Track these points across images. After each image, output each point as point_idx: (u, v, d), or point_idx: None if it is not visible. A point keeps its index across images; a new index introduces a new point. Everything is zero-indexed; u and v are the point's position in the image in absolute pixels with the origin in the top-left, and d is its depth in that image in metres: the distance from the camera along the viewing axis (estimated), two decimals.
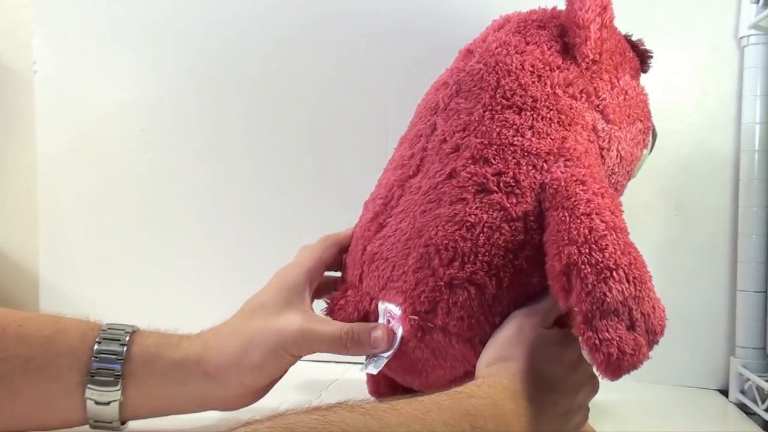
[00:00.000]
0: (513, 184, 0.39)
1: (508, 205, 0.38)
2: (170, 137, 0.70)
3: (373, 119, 0.66)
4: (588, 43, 0.44)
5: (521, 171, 0.39)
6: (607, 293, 0.34)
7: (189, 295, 0.69)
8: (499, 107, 0.42)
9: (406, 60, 0.66)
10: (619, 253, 0.35)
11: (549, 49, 0.44)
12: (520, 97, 0.42)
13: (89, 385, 0.39)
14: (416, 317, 0.38)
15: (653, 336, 0.36)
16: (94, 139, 0.71)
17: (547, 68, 0.43)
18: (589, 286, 0.34)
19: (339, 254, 0.47)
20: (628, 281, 0.34)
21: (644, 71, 0.51)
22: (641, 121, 0.47)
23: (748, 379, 0.56)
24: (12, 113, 0.75)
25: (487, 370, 0.35)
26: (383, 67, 0.66)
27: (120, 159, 0.70)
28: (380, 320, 0.41)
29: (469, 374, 0.38)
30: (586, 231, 0.35)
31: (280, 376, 0.45)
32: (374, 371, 0.41)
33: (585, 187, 0.38)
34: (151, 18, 0.70)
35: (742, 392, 0.58)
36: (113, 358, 0.39)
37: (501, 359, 0.36)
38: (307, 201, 0.68)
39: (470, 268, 0.38)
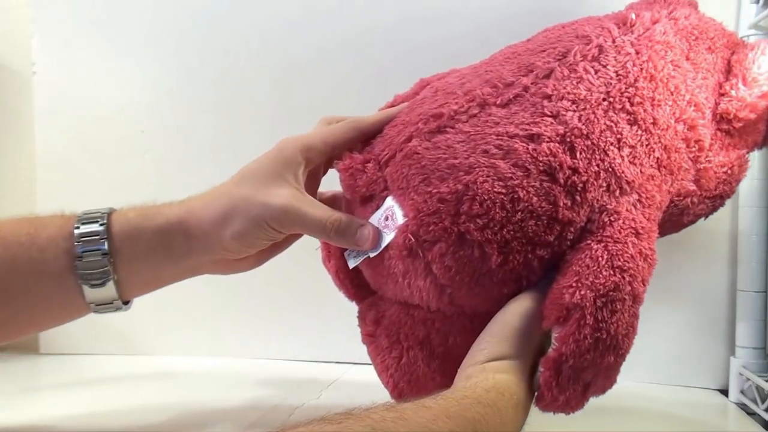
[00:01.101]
0: (580, 189, 0.36)
1: (561, 205, 0.36)
2: (170, 138, 0.70)
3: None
4: (740, 104, 0.42)
5: (595, 183, 0.37)
6: (591, 354, 0.33)
7: (188, 294, 0.69)
8: (620, 107, 0.38)
9: (408, 61, 0.66)
10: (623, 326, 0.34)
11: (701, 80, 0.41)
12: (645, 111, 0.39)
13: (79, 270, 0.39)
14: (413, 239, 0.37)
15: (589, 397, 0.36)
16: (94, 140, 0.71)
17: (684, 99, 0.40)
18: (581, 338, 0.33)
19: (356, 141, 0.43)
20: (613, 355, 0.34)
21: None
22: (721, 199, 0.45)
23: (748, 379, 0.56)
24: (11, 114, 0.75)
25: (498, 366, 0.35)
26: (385, 68, 0.66)
27: (119, 160, 0.70)
28: (380, 211, 0.39)
29: (418, 309, 0.39)
30: (611, 286, 0.34)
31: (272, 249, 0.44)
32: (351, 265, 0.41)
33: (636, 241, 0.36)
34: (150, 19, 0.70)
35: (742, 392, 0.58)
36: (96, 239, 0.39)
37: (511, 355, 0.35)
38: None
39: (489, 234, 0.35)
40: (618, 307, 0.34)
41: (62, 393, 0.57)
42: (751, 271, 0.59)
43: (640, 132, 0.38)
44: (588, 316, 0.33)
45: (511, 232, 0.36)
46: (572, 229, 0.36)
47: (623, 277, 0.34)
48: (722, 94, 0.43)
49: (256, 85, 0.69)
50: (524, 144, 0.37)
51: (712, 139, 0.42)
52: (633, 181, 0.38)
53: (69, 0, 0.71)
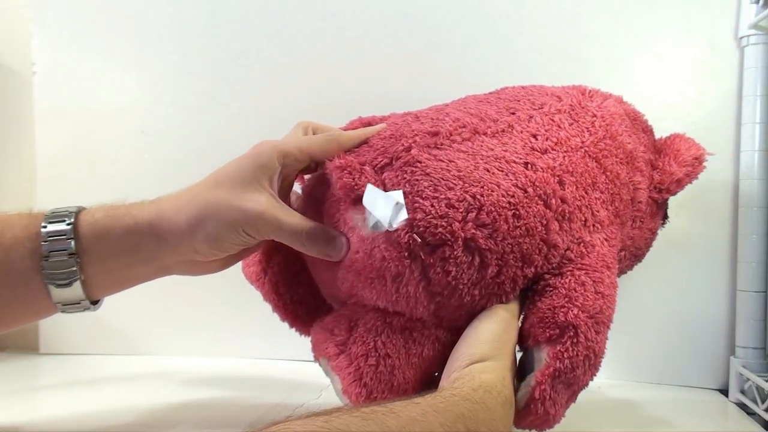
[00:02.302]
0: (566, 217, 0.40)
1: (551, 229, 0.39)
2: (169, 139, 0.70)
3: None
4: (672, 177, 0.49)
5: (577, 215, 0.41)
6: (580, 369, 0.37)
7: (188, 294, 0.69)
8: (592, 156, 0.43)
9: (405, 62, 0.66)
10: (602, 347, 0.38)
11: (644, 152, 0.48)
12: (611, 164, 0.44)
13: (45, 270, 0.38)
14: (419, 239, 0.36)
15: (561, 418, 0.39)
16: (94, 140, 0.71)
17: (636, 164, 0.47)
18: (574, 353, 0.36)
19: (332, 154, 0.41)
20: (592, 373, 0.38)
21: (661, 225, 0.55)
22: (637, 261, 0.52)
23: (748, 379, 0.56)
24: (11, 114, 0.75)
25: (482, 367, 0.35)
26: (384, 68, 0.66)
27: (119, 160, 0.70)
28: (381, 199, 0.38)
29: (398, 317, 0.39)
30: (597, 309, 0.38)
31: (239, 254, 0.43)
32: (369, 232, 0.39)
33: (609, 273, 0.40)
34: (150, 19, 0.70)
35: (742, 392, 0.58)
36: (63, 238, 0.38)
37: (493, 357, 0.36)
38: None
39: (492, 244, 0.37)
40: (601, 329, 0.38)
41: (62, 393, 0.57)
42: (751, 271, 0.59)
43: (607, 181, 0.44)
44: (581, 335, 0.37)
45: (510, 246, 0.38)
46: (555, 253, 0.40)
47: (605, 303, 0.39)
48: (655, 168, 0.50)
49: (257, 85, 0.69)
50: (522, 169, 0.40)
51: (646, 204, 0.48)
52: (603, 221, 0.43)
53: (69, 0, 0.71)
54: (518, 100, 0.45)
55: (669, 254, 0.62)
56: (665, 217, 0.54)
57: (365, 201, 0.38)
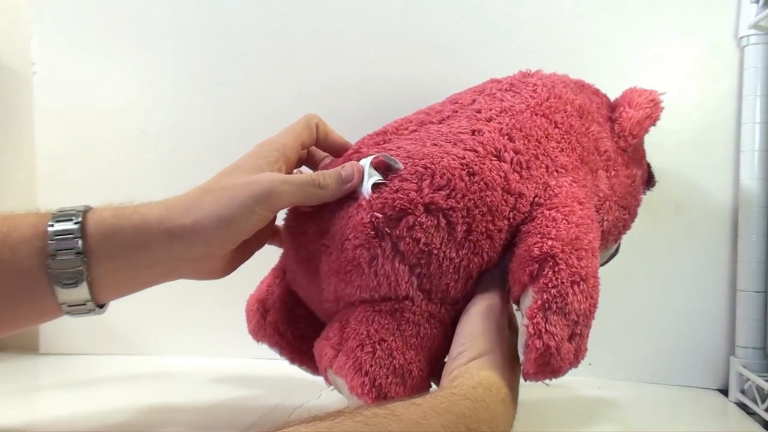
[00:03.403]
0: (524, 166, 0.41)
1: (511, 179, 0.40)
2: (170, 139, 0.70)
3: (373, 120, 0.66)
4: (631, 121, 0.49)
5: (535, 163, 0.42)
6: (571, 296, 0.36)
7: (189, 294, 0.69)
8: (540, 114, 0.44)
9: (405, 61, 0.66)
10: (590, 270, 0.37)
11: (597, 109, 0.49)
12: (561, 118, 0.45)
13: (52, 269, 0.38)
14: (380, 215, 0.37)
15: (575, 362, 0.37)
16: (94, 141, 0.71)
17: (590, 116, 0.47)
18: (558, 281, 0.36)
19: (318, 141, 0.47)
20: (586, 299, 0.37)
21: (648, 188, 0.55)
22: (628, 212, 0.51)
23: (748, 379, 0.56)
24: (11, 114, 0.75)
25: (480, 363, 0.36)
26: (384, 68, 0.66)
27: (119, 160, 0.70)
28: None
29: (385, 302, 0.39)
30: (573, 236, 0.38)
31: (246, 250, 0.44)
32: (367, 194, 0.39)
33: (581, 207, 0.40)
34: (150, 19, 0.70)
35: (742, 392, 0.58)
36: (70, 237, 0.38)
37: (489, 351, 0.37)
38: None
39: (452, 202, 0.38)
40: (583, 254, 0.37)
41: (62, 393, 0.57)
42: (751, 271, 0.59)
43: (561, 132, 0.45)
44: (561, 262, 0.36)
45: (472, 201, 0.38)
46: (524, 201, 0.40)
47: (580, 230, 0.38)
48: (613, 120, 0.50)
49: (257, 85, 0.69)
50: (469, 135, 0.41)
51: (615, 153, 0.49)
52: (566, 165, 0.43)
53: (69, 0, 0.71)
54: (460, 95, 0.48)
55: (669, 254, 0.62)
56: (651, 177, 0.55)
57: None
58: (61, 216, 0.39)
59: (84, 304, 0.39)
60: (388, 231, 0.37)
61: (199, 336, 0.69)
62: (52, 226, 0.38)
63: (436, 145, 0.40)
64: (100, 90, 0.71)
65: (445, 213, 0.38)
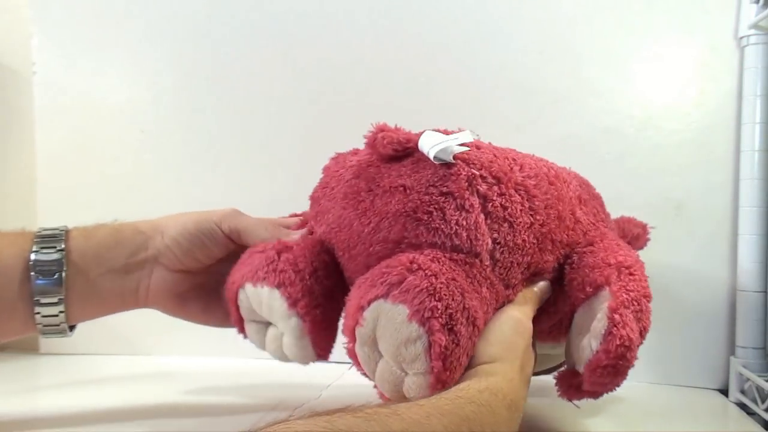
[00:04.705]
0: (582, 202, 0.47)
1: (575, 204, 0.45)
2: (169, 138, 0.70)
3: (373, 120, 0.66)
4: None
5: (589, 206, 0.47)
6: (643, 305, 0.38)
7: None
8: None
9: (405, 61, 0.66)
10: (649, 293, 0.40)
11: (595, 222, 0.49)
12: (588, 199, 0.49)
13: (34, 293, 0.42)
14: (477, 173, 0.40)
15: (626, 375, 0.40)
16: (94, 140, 0.71)
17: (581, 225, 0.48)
18: (633, 288, 0.38)
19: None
20: (647, 317, 0.39)
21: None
22: None
23: (748, 379, 0.56)
24: (11, 114, 0.75)
25: (489, 368, 0.36)
26: (384, 68, 0.66)
27: (119, 160, 0.70)
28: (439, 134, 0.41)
29: (455, 252, 0.38)
30: (634, 260, 0.41)
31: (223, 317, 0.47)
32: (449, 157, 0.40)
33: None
34: (149, 19, 0.70)
35: (742, 392, 0.58)
36: (51, 261, 0.42)
37: (501, 358, 0.36)
38: (305, 201, 0.68)
39: (538, 193, 0.42)
40: (645, 277, 0.41)
41: (62, 393, 0.57)
42: (751, 271, 0.59)
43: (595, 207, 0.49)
44: (635, 273, 0.40)
45: (550, 202, 0.42)
46: (579, 228, 0.45)
47: (636, 260, 0.42)
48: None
49: (256, 85, 0.69)
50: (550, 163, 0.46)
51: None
52: (606, 221, 0.49)
53: (69, 0, 0.71)
54: None
55: (669, 254, 0.62)
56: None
57: (424, 142, 0.41)
58: (44, 242, 0.43)
59: (57, 325, 0.44)
60: (481, 189, 0.39)
61: (199, 336, 0.69)
62: (35, 251, 0.42)
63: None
64: (100, 90, 0.71)
65: (530, 198, 0.41)
